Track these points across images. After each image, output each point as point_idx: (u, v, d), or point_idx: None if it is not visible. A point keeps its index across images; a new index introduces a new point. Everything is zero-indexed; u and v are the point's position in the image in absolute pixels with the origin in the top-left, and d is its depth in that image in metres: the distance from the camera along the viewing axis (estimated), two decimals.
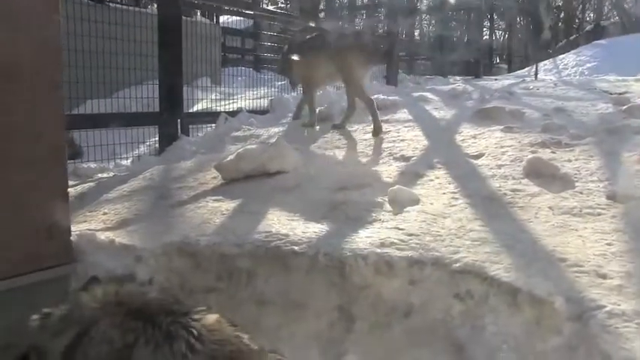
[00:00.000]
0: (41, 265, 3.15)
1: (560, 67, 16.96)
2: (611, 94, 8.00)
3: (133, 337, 2.26)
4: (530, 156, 4.48)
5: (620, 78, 10.59)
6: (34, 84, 3.11)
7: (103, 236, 3.53)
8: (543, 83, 10.24)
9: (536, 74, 14.66)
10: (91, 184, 5.40)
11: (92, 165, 6.28)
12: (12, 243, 3.03)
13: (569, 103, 6.95)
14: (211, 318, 2.38)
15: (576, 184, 4.07)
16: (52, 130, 3.20)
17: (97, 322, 2.33)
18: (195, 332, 2.26)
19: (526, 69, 18.64)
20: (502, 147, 4.99)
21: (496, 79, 13.54)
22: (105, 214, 4.18)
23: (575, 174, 4.22)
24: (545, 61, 17.97)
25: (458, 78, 14.79)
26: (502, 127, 5.61)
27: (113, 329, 2.31)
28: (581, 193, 3.91)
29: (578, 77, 14.22)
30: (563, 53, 18.89)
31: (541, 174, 4.21)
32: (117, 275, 3.10)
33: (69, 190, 3.51)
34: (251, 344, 2.30)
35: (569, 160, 4.53)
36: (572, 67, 16.46)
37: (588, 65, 16.32)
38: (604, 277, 2.87)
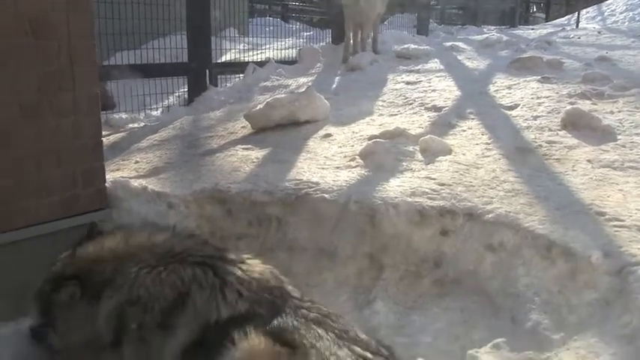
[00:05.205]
0: (78, 210, 3.22)
1: (606, 13, 15.87)
2: None
3: (185, 288, 2.31)
4: (569, 107, 4.31)
5: None
6: (68, 35, 3.11)
7: (135, 183, 3.57)
8: (585, 32, 9.79)
9: (577, 22, 13.97)
10: (123, 134, 5.47)
11: (123, 115, 6.34)
12: (52, 188, 3.11)
13: (614, 52, 6.65)
14: (258, 265, 2.43)
15: (619, 136, 3.90)
16: (86, 81, 3.22)
17: (137, 277, 2.37)
18: (245, 280, 2.31)
19: (566, 17, 17.75)
20: (538, 98, 4.84)
21: (533, 29, 13.05)
22: (137, 162, 4.23)
23: (618, 126, 4.05)
24: (589, 8, 17.01)
25: (492, 27, 14.31)
26: (539, 77, 5.43)
27: (158, 286, 2.35)
28: (623, 146, 3.76)
29: (627, 24, 13.36)
30: None
31: (580, 126, 4.06)
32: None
33: (102, 139, 3.54)
34: (292, 291, 2.35)
35: (612, 112, 4.35)
36: (621, 13, 15.33)
37: None
38: None
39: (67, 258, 2.51)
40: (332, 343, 2.05)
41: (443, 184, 3.34)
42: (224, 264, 2.38)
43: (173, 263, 2.35)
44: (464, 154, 3.80)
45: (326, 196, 3.32)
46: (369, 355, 2.05)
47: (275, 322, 2.13)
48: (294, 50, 8.63)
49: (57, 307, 2.46)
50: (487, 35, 9.44)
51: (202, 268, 2.34)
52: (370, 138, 4.03)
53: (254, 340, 2.02)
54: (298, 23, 12.38)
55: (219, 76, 7.10)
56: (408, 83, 5.74)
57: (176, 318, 2.24)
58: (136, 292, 2.31)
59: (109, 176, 3.58)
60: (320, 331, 2.09)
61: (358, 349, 2.05)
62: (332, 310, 2.29)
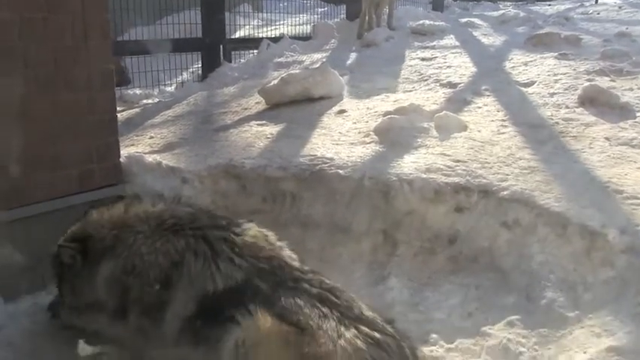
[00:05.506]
0: (93, 184, 3.24)
1: None
2: None
3: (179, 256, 2.32)
4: (587, 84, 4.24)
5: None
6: (82, 9, 3.10)
7: (150, 159, 3.59)
8: (605, 7, 9.53)
9: None
10: (137, 109, 5.48)
11: (137, 91, 6.35)
12: (67, 162, 3.12)
13: (635, 28, 6.48)
14: (251, 232, 2.41)
15: (638, 114, 3.84)
16: (100, 55, 3.22)
17: (132, 247, 2.39)
18: (237, 249, 2.30)
19: None
20: (555, 75, 4.76)
21: (550, 5, 12.74)
22: (151, 138, 4.25)
23: (637, 103, 3.97)
24: None
25: (508, 3, 14.01)
26: (556, 54, 5.34)
27: (153, 254, 2.33)
28: None
29: None
30: None
31: (598, 103, 4.00)
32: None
33: (117, 114, 3.54)
34: (291, 260, 2.33)
35: (631, 89, 4.27)
36: None
37: None
38: None
39: (76, 224, 2.57)
40: (338, 322, 2.03)
41: (458, 161, 3.32)
42: (216, 231, 2.37)
43: (167, 233, 2.37)
44: (479, 131, 3.77)
45: (340, 171, 3.31)
46: (376, 334, 2.03)
47: (277, 299, 2.12)
48: (308, 26, 8.54)
49: (61, 269, 2.52)
50: (503, 11, 9.26)
51: (195, 238, 2.33)
52: (385, 114, 4.00)
53: (260, 320, 2.00)
54: None
55: (233, 52, 7.06)
56: (423, 59, 5.69)
57: (173, 288, 2.25)
58: (131, 260, 2.33)
59: (124, 151, 3.60)
60: (325, 309, 2.08)
61: (365, 329, 2.04)
62: (334, 282, 2.29)
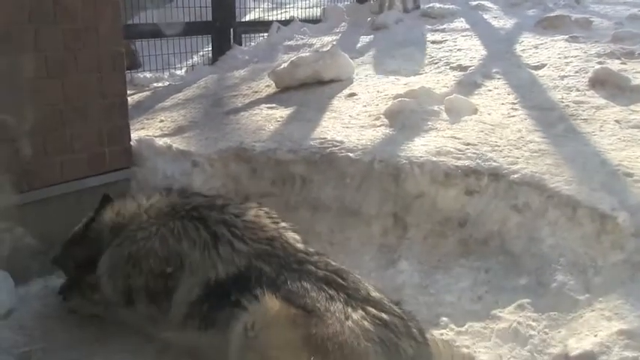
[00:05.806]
0: (104, 168, 3.27)
1: None
2: None
3: (176, 242, 2.32)
4: (597, 67, 4.19)
5: None
6: None
7: (160, 142, 3.60)
8: None
9: None
10: (147, 93, 5.49)
11: (148, 75, 6.35)
12: (78, 146, 3.15)
13: None
14: (252, 212, 2.42)
15: None
16: (110, 38, 3.22)
17: (129, 236, 2.42)
18: (238, 232, 2.30)
19: None
20: (566, 57, 4.71)
21: None
22: (161, 121, 4.26)
23: None
24: None
25: None
26: (567, 36, 5.27)
27: (148, 240, 2.36)
28: None
29: None
30: None
31: (609, 86, 3.95)
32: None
33: (127, 98, 3.55)
34: (295, 242, 2.33)
35: None
36: None
37: None
38: None
39: (78, 231, 2.67)
40: (345, 304, 2.03)
41: (468, 144, 3.31)
42: (213, 212, 2.37)
43: (163, 219, 2.38)
44: (489, 114, 3.75)
45: (350, 155, 3.32)
46: (383, 315, 2.04)
47: (283, 282, 2.12)
48: (318, 9, 8.49)
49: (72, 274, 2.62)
50: None
51: (192, 221, 2.34)
52: (395, 97, 3.99)
53: (268, 303, 2.01)
54: None
55: (243, 35, 7.04)
56: (433, 42, 5.64)
57: (175, 278, 2.27)
58: (128, 249, 2.36)
59: (134, 135, 3.62)
60: (331, 292, 2.08)
61: (372, 310, 2.04)
62: (340, 264, 2.29)
